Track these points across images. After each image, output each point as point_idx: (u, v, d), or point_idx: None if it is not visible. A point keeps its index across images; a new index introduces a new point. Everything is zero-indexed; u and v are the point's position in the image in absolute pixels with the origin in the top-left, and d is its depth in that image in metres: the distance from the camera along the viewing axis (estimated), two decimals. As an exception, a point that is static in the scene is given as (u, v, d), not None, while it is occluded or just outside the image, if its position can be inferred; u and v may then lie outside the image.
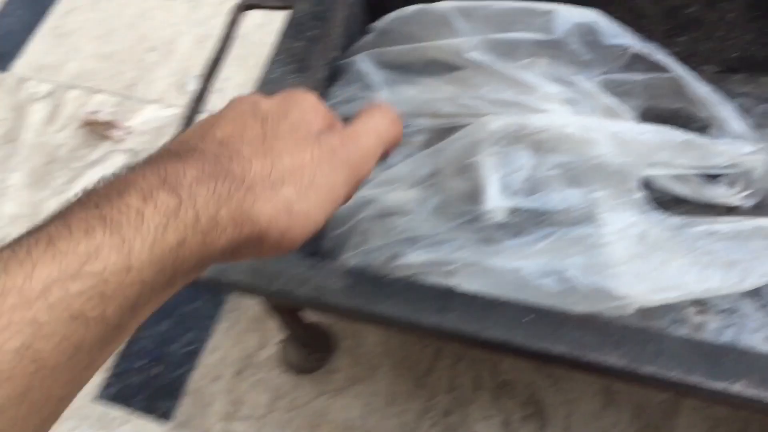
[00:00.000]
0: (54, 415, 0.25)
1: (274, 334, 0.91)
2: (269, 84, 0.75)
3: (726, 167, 0.69)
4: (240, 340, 0.92)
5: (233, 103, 0.38)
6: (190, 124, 0.77)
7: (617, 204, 0.66)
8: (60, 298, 0.25)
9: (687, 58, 0.82)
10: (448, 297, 0.61)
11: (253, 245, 0.32)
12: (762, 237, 0.67)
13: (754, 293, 0.71)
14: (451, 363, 0.86)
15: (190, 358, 0.92)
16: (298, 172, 0.34)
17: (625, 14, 0.78)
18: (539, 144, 0.65)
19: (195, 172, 0.30)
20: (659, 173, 0.68)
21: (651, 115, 0.81)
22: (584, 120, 0.66)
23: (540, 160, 0.65)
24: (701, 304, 0.71)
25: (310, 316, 0.86)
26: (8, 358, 0.23)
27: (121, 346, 0.92)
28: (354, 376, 0.87)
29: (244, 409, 0.87)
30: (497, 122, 0.66)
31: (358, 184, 0.38)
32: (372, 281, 0.63)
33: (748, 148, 0.69)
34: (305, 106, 0.38)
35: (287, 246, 0.34)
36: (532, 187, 0.66)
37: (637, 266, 0.63)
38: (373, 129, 0.39)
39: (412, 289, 0.62)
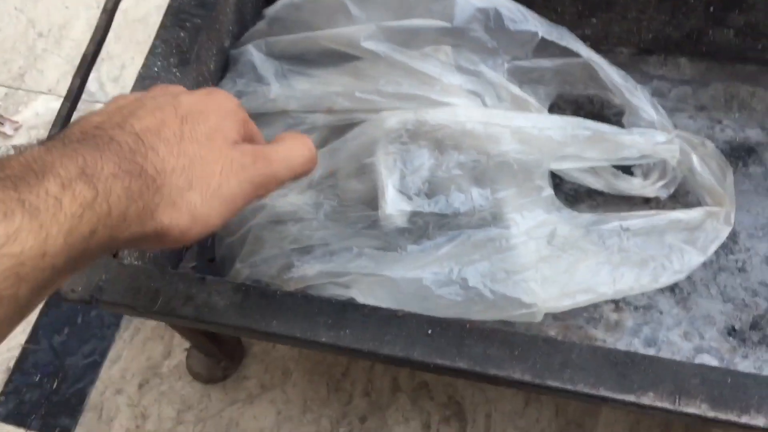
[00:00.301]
0: None
1: (179, 342, 0.86)
2: (148, 80, 0.68)
3: (639, 158, 0.65)
4: (143, 350, 0.86)
5: (153, 93, 0.39)
6: (69, 120, 0.71)
7: (524, 203, 0.62)
8: None
9: (600, 41, 0.79)
10: (343, 312, 0.56)
11: (153, 240, 0.35)
12: (677, 230, 0.64)
13: (672, 288, 0.68)
14: (368, 366, 0.82)
15: (90, 370, 0.85)
16: (207, 179, 0.36)
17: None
18: (439, 141, 0.61)
19: (112, 167, 0.32)
20: (569, 167, 0.65)
21: (564, 102, 0.78)
22: (487, 114, 0.62)
23: (441, 158, 0.61)
24: (617, 302, 0.68)
25: (215, 324, 0.80)
26: None
27: (14, 361, 0.86)
28: (265, 383, 0.83)
29: (149, 423, 0.82)
30: (394, 118, 0.61)
31: (258, 199, 0.41)
32: (262, 296, 0.58)
33: (660, 137, 0.66)
34: (225, 110, 0.39)
35: (184, 242, 0.36)
36: (434, 188, 0.61)
37: (546, 269, 0.59)
38: (287, 159, 0.41)
39: (304, 304, 0.57)
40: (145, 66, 0.70)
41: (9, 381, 0.86)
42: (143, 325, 0.87)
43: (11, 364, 0.87)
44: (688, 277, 0.68)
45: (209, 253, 0.74)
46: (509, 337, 0.55)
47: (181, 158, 0.35)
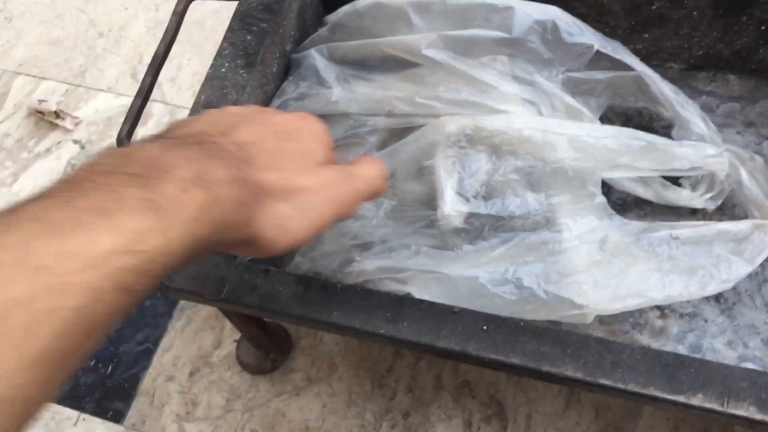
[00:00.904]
0: (72, 372, 0.28)
1: (229, 333, 0.89)
2: (216, 80, 0.71)
3: (689, 170, 0.67)
4: (195, 339, 0.89)
5: (249, 110, 0.41)
6: (139, 116, 0.74)
7: (577, 209, 0.64)
8: (116, 269, 0.27)
9: (651, 55, 0.81)
10: (401, 305, 0.59)
11: (243, 247, 0.37)
12: (725, 241, 0.65)
13: (717, 297, 0.70)
14: (412, 363, 0.85)
15: (143, 357, 0.89)
16: (299, 195, 0.38)
17: (587, 10, 0.77)
18: (497, 147, 0.63)
19: (223, 173, 0.33)
20: (621, 176, 0.67)
21: (614, 114, 0.80)
22: (543, 122, 0.64)
23: (498, 163, 0.63)
24: (662, 309, 0.70)
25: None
26: (68, 315, 0.26)
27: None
28: (312, 376, 0.85)
29: (199, 410, 0.85)
30: (454, 123, 0.64)
31: (340, 219, 0.42)
32: (323, 288, 0.60)
33: (710, 150, 0.68)
34: (314, 134, 0.43)
35: (270, 253, 0.37)
36: (490, 191, 0.64)
37: (597, 273, 0.61)
38: (367, 177, 0.43)
39: (364, 296, 0.60)
40: (213, 66, 0.73)
41: (65, 365, 0.89)
42: (195, 315, 0.90)
43: (68, 348, 0.90)
44: (734, 288, 0.69)
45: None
46: (562, 335, 0.57)
47: (278, 172, 0.37)
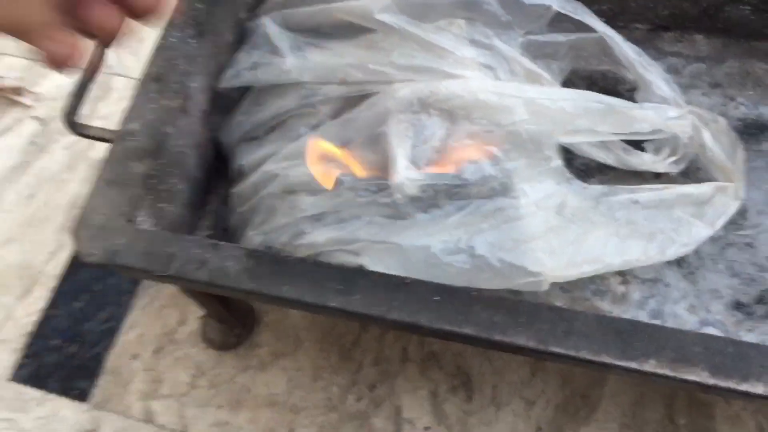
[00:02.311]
0: None
1: (194, 309, 0.87)
2: (168, 50, 0.69)
3: (650, 133, 0.66)
4: (159, 317, 0.88)
5: None
6: (85, 89, 0.72)
7: (534, 173, 0.63)
8: None
9: (616, 16, 0.79)
10: (352, 278, 0.57)
11: None
12: (686, 204, 0.64)
13: (679, 262, 0.69)
14: (378, 335, 0.84)
15: (107, 335, 0.88)
16: None
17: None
18: (451, 112, 0.62)
19: None
20: (580, 140, 0.65)
21: (577, 78, 0.78)
22: (499, 85, 0.63)
23: (452, 128, 0.62)
24: (624, 274, 0.69)
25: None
26: None
27: (34, 326, 0.88)
28: (277, 350, 0.84)
29: (164, 387, 0.84)
30: (407, 89, 0.62)
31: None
32: (273, 262, 0.59)
33: (672, 112, 0.67)
34: None
35: None
36: (444, 157, 0.62)
37: (554, 240, 0.60)
38: None
39: (315, 269, 0.58)
40: (163, 37, 0.71)
41: (29, 345, 0.88)
42: (159, 293, 0.89)
43: (31, 328, 0.89)
44: (696, 252, 0.68)
45: (223, 223, 0.76)
46: (515, 304, 0.56)
47: None
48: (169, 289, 0.89)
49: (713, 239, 0.69)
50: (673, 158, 0.69)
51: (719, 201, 0.63)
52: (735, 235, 0.69)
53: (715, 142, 0.67)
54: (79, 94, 0.70)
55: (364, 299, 0.57)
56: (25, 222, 0.96)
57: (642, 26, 0.80)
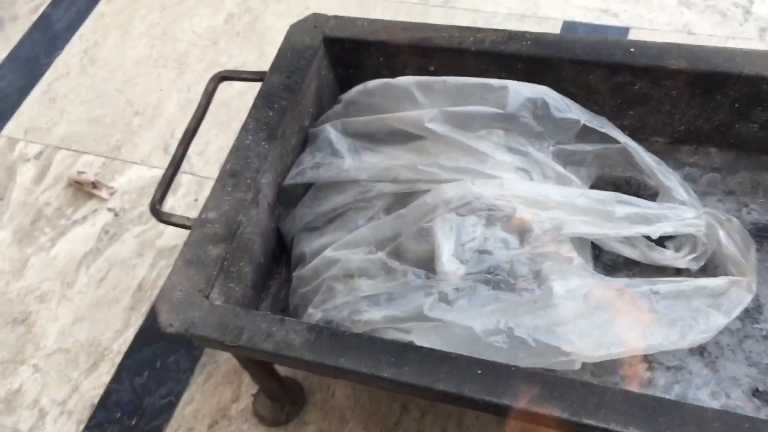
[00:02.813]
0: None
1: (247, 387, 0.94)
2: (241, 150, 0.80)
3: (671, 232, 0.73)
4: (214, 394, 0.95)
5: None
6: (171, 182, 0.82)
7: (564, 268, 0.70)
8: None
9: (637, 131, 0.88)
10: (403, 352, 0.65)
11: None
12: (703, 296, 0.71)
13: (701, 351, 0.75)
14: (418, 417, 0.89)
15: (165, 410, 0.94)
16: None
17: (577, 90, 0.84)
18: (490, 219, 0.70)
19: None
20: (604, 236, 0.73)
21: (604, 183, 0.86)
22: (533, 189, 0.71)
23: (489, 233, 0.70)
24: (650, 362, 0.75)
25: (282, 371, 0.89)
26: None
27: (98, 398, 0.95)
28: (324, 429, 0.90)
29: (216, 461, 0.90)
30: (453, 191, 0.71)
31: None
32: (332, 336, 0.67)
33: (689, 213, 0.74)
34: None
35: None
36: (483, 254, 0.70)
37: (583, 324, 0.67)
38: None
39: (370, 344, 0.66)
40: (238, 139, 0.82)
41: (92, 417, 0.95)
42: (215, 371, 0.96)
43: (96, 401, 0.96)
44: (716, 343, 0.75)
45: (281, 305, 0.84)
46: (550, 378, 0.62)
47: None
48: (225, 368, 0.96)
49: (732, 331, 0.75)
50: (693, 255, 0.77)
51: (734, 293, 0.69)
52: (752, 328, 0.76)
53: (729, 239, 0.74)
54: (165, 186, 0.81)
55: (413, 371, 0.64)
56: (96, 303, 1.05)
57: (661, 140, 0.89)
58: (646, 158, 0.80)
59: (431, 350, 0.65)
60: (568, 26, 1.24)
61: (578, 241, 0.76)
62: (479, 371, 0.63)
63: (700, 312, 0.68)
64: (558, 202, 0.70)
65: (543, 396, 0.61)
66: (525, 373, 0.62)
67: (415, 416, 0.89)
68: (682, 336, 0.68)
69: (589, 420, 0.60)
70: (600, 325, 0.67)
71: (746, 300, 0.70)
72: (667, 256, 0.77)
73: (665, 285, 0.70)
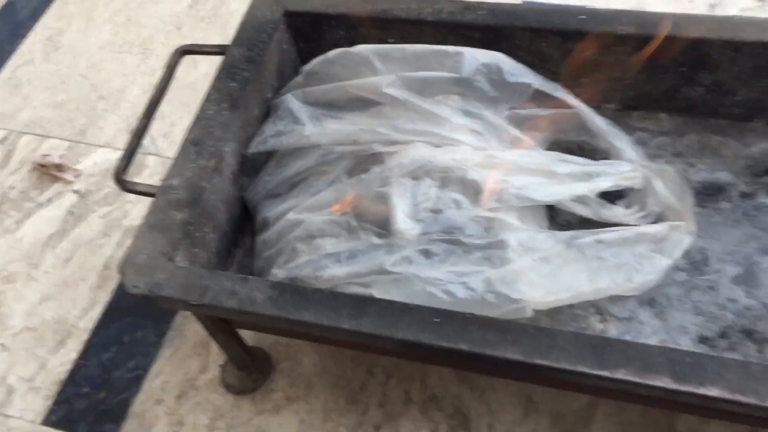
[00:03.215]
0: None
1: (215, 358, 0.95)
2: (204, 120, 0.81)
3: (611, 186, 0.76)
4: (182, 365, 0.96)
5: None
6: (134, 155, 0.83)
7: (514, 224, 0.73)
8: None
9: (590, 97, 0.91)
10: (363, 304, 0.67)
11: None
12: (646, 242, 0.74)
13: (651, 302, 0.78)
14: (383, 380, 0.91)
15: (133, 383, 0.95)
16: None
17: (531, 58, 0.87)
18: (443, 181, 0.73)
19: None
20: (552, 197, 0.75)
21: (559, 148, 0.89)
22: (484, 153, 0.74)
23: (443, 194, 0.73)
24: (602, 313, 0.77)
25: (249, 339, 0.90)
26: None
27: (66, 374, 0.95)
28: (291, 395, 0.92)
29: (185, 429, 0.91)
30: (408, 156, 0.73)
31: None
32: (295, 292, 0.69)
33: (626, 167, 0.78)
34: None
35: None
36: (437, 214, 0.73)
37: (533, 275, 0.69)
38: None
39: (331, 298, 0.68)
40: (201, 109, 0.83)
41: (61, 392, 0.96)
42: (183, 344, 0.97)
43: (64, 377, 0.97)
44: (665, 294, 0.78)
45: (247, 272, 0.85)
46: (505, 324, 0.65)
47: None
48: (193, 340, 0.97)
49: (679, 283, 0.78)
50: (643, 213, 0.80)
51: (674, 236, 0.72)
52: (699, 279, 0.79)
53: (665, 188, 0.77)
54: (128, 156, 0.82)
55: (373, 322, 0.66)
56: (62, 282, 1.06)
57: (613, 106, 0.92)
58: (597, 121, 0.83)
59: (391, 302, 0.67)
60: (528, 5, 1.27)
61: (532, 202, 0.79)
62: (437, 319, 0.65)
63: (644, 256, 0.71)
64: (505, 164, 0.72)
65: (497, 340, 0.64)
66: (481, 320, 0.65)
67: (380, 380, 0.91)
68: (628, 279, 0.70)
69: (541, 360, 0.62)
70: (549, 275, 0.70)
71: (686, 241, 0.73)
72: (617, 213, 0.80)
73: (609, 234, 0.73)
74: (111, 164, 1.18)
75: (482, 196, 0.74)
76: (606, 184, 0.75)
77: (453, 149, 0.76)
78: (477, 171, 0.74)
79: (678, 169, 0.86)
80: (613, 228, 0.74)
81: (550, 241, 0.71)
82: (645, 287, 0.71)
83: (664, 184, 0.76)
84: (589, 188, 0.75)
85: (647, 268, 0.70)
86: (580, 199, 0.80)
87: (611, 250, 0.71)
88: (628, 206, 0.81)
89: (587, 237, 0.72)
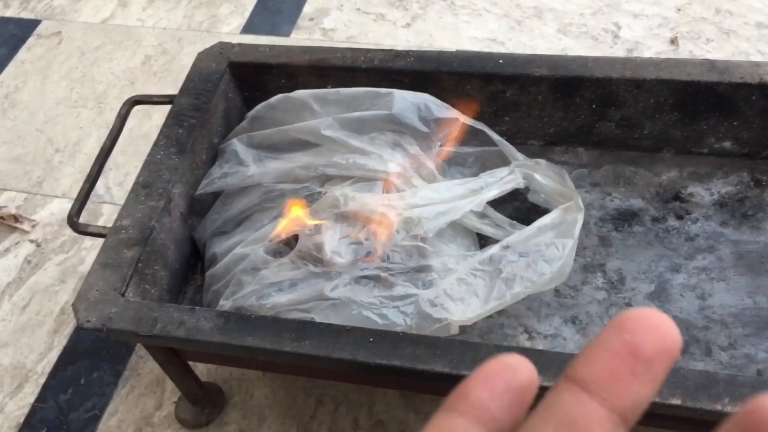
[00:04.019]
0: None
1: (169, 395, 0.99)
2: (153, 164, 0.87)
3: (499, 194, 0.84)
4: (137, 403, 0.99)
5: None
6: (87, 198, 0.88)
7: (434, 251, 0.79)
8: None
9: (514, 135, 0.99)
10: (303, 328, 0.72)
11: None
12: (546, 231, 0.80)
13: (573, 320, 0.84)
14: (332, 409, 0.95)
15: (90, 423, 0.98)
16: None
17: (456, 100, 0.94)
18: (366, 220, 0.80)
19: None
20: (451, 219, 0.81)
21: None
22: (392, 198, 0.81)
23: (365, 231, 0.80)
24: (529, 331, 0.83)
25: (202, 375, 0.94)
26: None
27: (23, 417, 0.98)
28: (244, 427, 0.95)
29: (141, 466, 0.94)
30: (326, 203, 0.80)
31: None
32: (240, 319, 0.73)
33: (503, 172, 0.85)
34: None
35: None
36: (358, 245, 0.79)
37: (454, 294, 0.75)
38: None
39: (273, 323, 0.73)
40: (150, 154, 0.89)
41: (18, 434, 0.98)
42: (138, 383, 1.01)
43: (21, 420, 0.99)
44: (587, 312, 0.84)
45: (194, 304, 0.90)
46: (433, 340, 0.70)
47: None
48: (147, 378, 1.01)
49: (599, 301, 0.85)
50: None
51: (569, 216, 0.79)
52: (616, 297, 0.86)
53: (545, 177, 0.85)
54: (82, 199, 0.87)
55: (313, 343, 0.71)
56: (19, 329, 1.08)
57: (536, 142, 1.00)
58: (517, 156, 0.90)
59: (329, 325, 0.72)
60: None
61: (462, 230, 0.86)
62: (371, 339, 0.71)
63: (549, 245, 0.78)
64: (420, 198, 0.79)
65: (427, 355, 0.69)
66: (411, 338, 0.70)
67: (329, 408, 0.96)
68: (540, 274, 0.76)
69: (466, 371, 0.68)
70: (468, 291, 0.76)
71: (580, 216, 0.80)
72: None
73: (512, 237, 0.79)
74: (66, 213, 1.21)
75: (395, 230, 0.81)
76: (491, 193, 0.82)
77: (362, 196, 0.82)
78: (393, 210, 0.81)
79: (595, 198, 0.94)
80: (514, 231, 0.80)
81: (469, 261, 0.78)
82: (561, 275, 0.77)
83: (543, 175, 0.83)
84: (476, 202, 0.81)
85: (557, 254, 0.76)
86: (493, 222, 0.86)
87: (519, 251, 0.78)
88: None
89: (495, 247, 0.78)
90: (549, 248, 0.77)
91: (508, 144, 0.89)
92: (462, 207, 0.79)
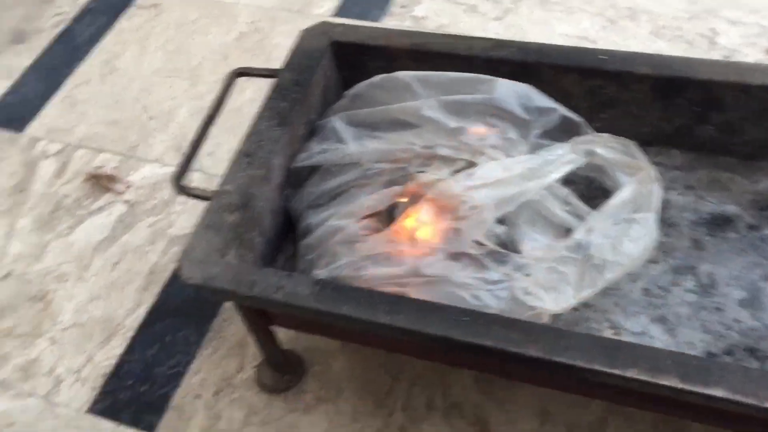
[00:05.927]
0: None
1: (250, 359, 1.02)
2: (255, 134, 0.90)
3: (562, 175, 0.84)
4: (220, 364, 1.02)
5: None
6: (191, 160, 0.91)
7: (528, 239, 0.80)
8: None
9: (608, 132, 0.98)
10: (398, 302, 0.74)
11: None
12: (623, 208, 0.81)
13: (662, 319, 0.84)
14: (408, 386, 0.97)
15: (174, 378, 1.02)
16: None
17: (555, 93, 0.95)
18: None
19: None
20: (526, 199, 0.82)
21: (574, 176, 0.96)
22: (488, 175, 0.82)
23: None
24: (616, 327, 0.84)
25: (284, 342, 0.97)
26: None
27: (111, 368, 1.02)
28: (321, 396, 0.98)
29: (221, 423, 0.97)
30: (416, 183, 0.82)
31: None
32: (335, 288, 0.76)
33: (562, 149, 0.86)
34: None
35: None
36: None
37: (547, 283, 0.76)
38: None
39: (368, 295, 0.75)
40: (253, 125, 0.92)
41: (106, 384, 1.03)
42: (222, 345, 1.04)
43: (109, 370, 1.04)
44: (676, 313, 0.84)
45: (288, 269, 0.92)
46: (527, 325, 0.71)
47: None
48: (231, 341, 1.04)
49: (689, 303, 0.85)
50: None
51: (643, 189, 0.80)
52: (707, 300, 0.85)
53: (609, 150, 0.85)
54: (186, 161, 0.90)
55: (407, 317, 0.73)
56: (110, 284, 1.13)
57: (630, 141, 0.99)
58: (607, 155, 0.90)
59: (424, 301, 0.74)
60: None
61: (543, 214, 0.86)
62: (465, 318, 0.72)
63: (632, 222, 0.78)
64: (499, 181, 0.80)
65: (520, 339, 0.70)
66: (505, 321, 0.71)
67: (405, 387, 0.98)
68: (630, 251, 0.77)
69: (558, 358, 0.68)
70: (560, 281, 0.76)
71: (656, 188, 0.81)
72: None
73: (592, 219, 0.80)
74: (159, 178, 1.26)
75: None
76: (556, 176, 0.83)
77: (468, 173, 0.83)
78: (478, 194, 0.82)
79: (689, 201, 0.94)
80: (590, 212, 0.81)
81: (556, 247, 0.78)
82: (647, 251, 0.77)
83: (606, 148, 0.83)
84: (548, 182, 0.82)
85: (641, 231, 0.76)
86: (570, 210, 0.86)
87: (601, 231, 0.78)
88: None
89: (580, 232, 0.78)
90: (631, 226, 0.77)
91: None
92: (533, 188, 0.80)
